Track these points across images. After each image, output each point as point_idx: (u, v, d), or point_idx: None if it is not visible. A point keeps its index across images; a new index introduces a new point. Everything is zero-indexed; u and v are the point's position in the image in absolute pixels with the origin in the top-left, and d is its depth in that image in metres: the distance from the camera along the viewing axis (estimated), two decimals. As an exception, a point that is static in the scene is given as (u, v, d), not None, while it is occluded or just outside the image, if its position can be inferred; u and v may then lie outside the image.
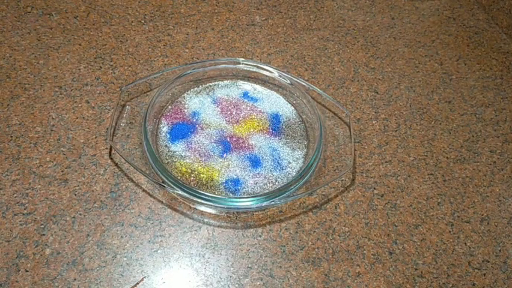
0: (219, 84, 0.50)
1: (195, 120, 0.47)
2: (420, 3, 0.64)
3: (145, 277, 0.36)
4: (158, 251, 0.38)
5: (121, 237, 0.38)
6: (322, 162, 0.45)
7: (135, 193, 0.41)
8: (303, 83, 0.50)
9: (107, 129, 0.45)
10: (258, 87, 0.50)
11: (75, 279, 0.36)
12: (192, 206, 0.41)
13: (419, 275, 0.38)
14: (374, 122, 0.49)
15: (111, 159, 0.43)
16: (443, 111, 0.51)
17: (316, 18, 0.60)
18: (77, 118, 0.46)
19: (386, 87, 0.53)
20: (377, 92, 0.52)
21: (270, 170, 0.43)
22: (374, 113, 0.50)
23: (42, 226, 0.38)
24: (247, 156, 0.44)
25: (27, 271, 0.35)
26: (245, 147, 0.45)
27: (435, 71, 0.55)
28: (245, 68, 0.50)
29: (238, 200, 0.40)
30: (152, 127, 0.45)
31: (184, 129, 0.46)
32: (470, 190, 0.45)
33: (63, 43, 0.53)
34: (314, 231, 0.40)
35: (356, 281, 0.37)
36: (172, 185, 0.39)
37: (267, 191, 0.42)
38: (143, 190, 0.41)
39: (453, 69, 0.56)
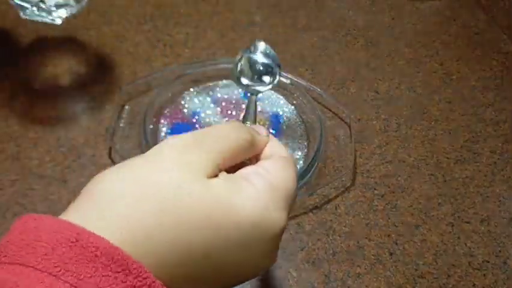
0: (219, 84, 0.50)
1: (194, 120, 0.46)
2: (420, 3, 0.64)
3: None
4: (158, 252, 0.38)
5: (121, 237, 0.38)
6: (322, 163, 0.45)
7: (135, 193, 0.41)
8: (303, 83, 0.49)
9: (107, 129, 0.45)
10: (258, 87, 0.50)
11: (75, 279, 0.35)
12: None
13: (419, 276, 0.38)
14: (374, 122, 0.49)
15: (111, 159, 0.43)
16: (444, 112, 0.51)
17: (317, 18, 0.60)
18: (76, 118, 0.46)
19: (387, 87, 0.53)
20: (378, 92, 0.52)
21: (270, 170, 0.43)
22: (374, 113, 0.50)
23: (42, 226, 0.38)
24: (248, 157, 0.44)
25: (26, 272, 0.35)
26: (245, 147, 0.45)
27: (435, 71, 0.55)
28: (245, 68, 0.50)
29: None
30: (152, 127, 0.45)
31: (184, 129, 0.46)
32: (470, 190, 0.45)
33: (63, 43, 0.53)
34: (314, 232, 0.40)
35: (356, 281, 0.37)
36: (172, 186, 0.39)
37: (267, 191, 0.41)
38: (143, 190, 0.41)
39: (453, 70, 0.56)
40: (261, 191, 0.23)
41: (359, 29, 0.59)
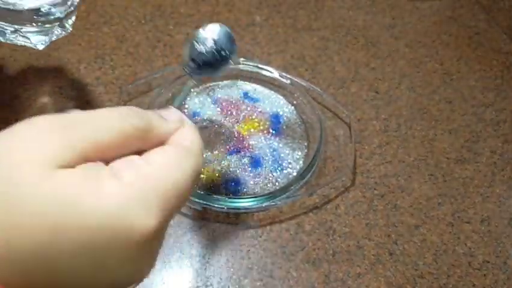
0: (219, 85, 0.50)
1: (195, 120, 0.46)
2: (420, 3, 0.64)
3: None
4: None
5: (121, 237, 0.38)
6: (322, 163, 0.45)
7: (135, 193, 0.41)
8: (303, 83, 0.49)
9: (107, 129, 0.45)
10: (258, 87, 0.50)
11: (75, 279, 0.35)
12: (192, 206, 0.41)
13: (419, 276, 0.38)
14: (374, 122, 0.49)
15: (111, 159, 0.43)
16: (444, 112, 0.51)
17: (317, 18, 0.60)
18: (77, 118, 0.46)
19: (387, 87, 0.53)
20: (378, 92, 0.52)
21: (271, 171, 0.43)
22: (374, 113, 0.50)
23: (42, 226, 0.38)
24: (248, 157, 0.44)
25: (27, 272, 0.35)
26: (245, 147, 0.45)
27: (435, 71, 0.55)
28: (245, 68, 0.50)
29: (239, 200, 0.40)
30: (152, 127, 0.45)
31: (184, 130, 0.46)
32: (470, 191, 0.45)
33: (63, 43, 0.53)
34: (314, 232, 0.40)
35: (356, 281, 0.37)
36: (172, 186, 0.39)
37: (267, 191, 0.42)
38: (143, 190, 0.41)
39: (453, 70, 0.56)
40: (126, 186, 0.19)
41: (359, 29, 0.59)
